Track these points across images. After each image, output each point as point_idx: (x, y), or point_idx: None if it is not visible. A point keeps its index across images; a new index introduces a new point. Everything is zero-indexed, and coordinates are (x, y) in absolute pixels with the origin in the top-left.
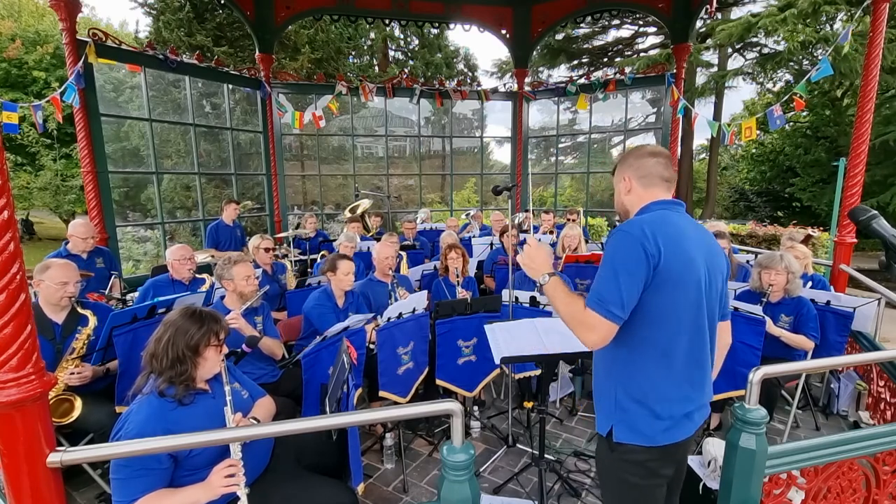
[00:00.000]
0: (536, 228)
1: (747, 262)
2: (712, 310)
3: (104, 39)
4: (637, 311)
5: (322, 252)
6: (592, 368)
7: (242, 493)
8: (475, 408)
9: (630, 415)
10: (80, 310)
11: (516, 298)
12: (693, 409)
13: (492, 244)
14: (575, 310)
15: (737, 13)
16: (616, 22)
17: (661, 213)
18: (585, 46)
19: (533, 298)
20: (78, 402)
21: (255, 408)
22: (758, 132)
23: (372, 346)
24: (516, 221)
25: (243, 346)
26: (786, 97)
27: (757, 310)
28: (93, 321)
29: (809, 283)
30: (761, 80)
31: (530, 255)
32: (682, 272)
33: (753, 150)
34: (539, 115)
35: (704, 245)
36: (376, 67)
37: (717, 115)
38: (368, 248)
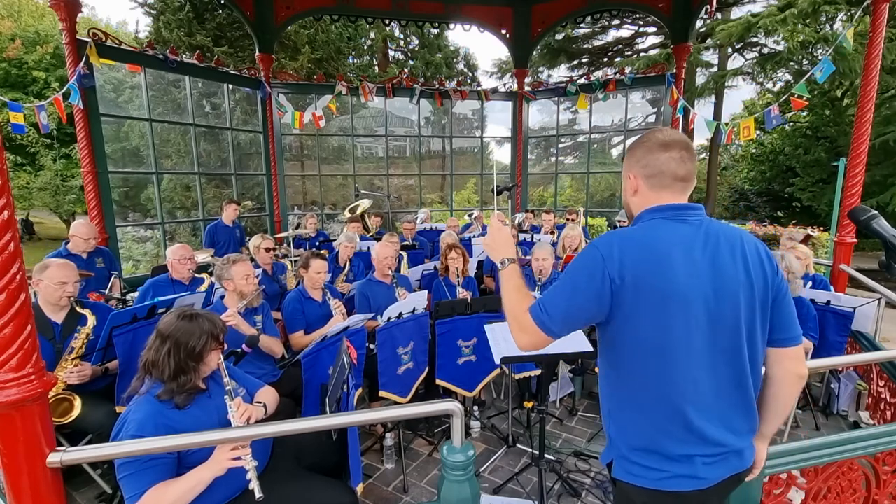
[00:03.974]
0: (536, 228)
1: None
2: (731, 339)
3: (104, 39)
4: (619, 340)
5: (322, 252)
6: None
7: (251, 465)
8: (475, 408)
9: (624, 451)
10: (79, 309)
11: None
12: (699, 454)
13: None
14: (517, 307)
15: (737, 13)
16: (616, 22)
17: (649, 225)
18: (585, 46)
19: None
20: (77, 402)
21: (258, 395)
22: (757, 132)
23: (372, 347)
24: (516, 221)
25: (243, 346)
26: (785, 97)
27: None
28: (91, 320)
29: (810, 283)
30: (761, 80)
31: (493, 234)
32: (666, 298)
33: (753, 150)
34: (539, 115)
35: (710, 263)
36: (376, 67)
37: (717, 115)
38: (368, 248)
